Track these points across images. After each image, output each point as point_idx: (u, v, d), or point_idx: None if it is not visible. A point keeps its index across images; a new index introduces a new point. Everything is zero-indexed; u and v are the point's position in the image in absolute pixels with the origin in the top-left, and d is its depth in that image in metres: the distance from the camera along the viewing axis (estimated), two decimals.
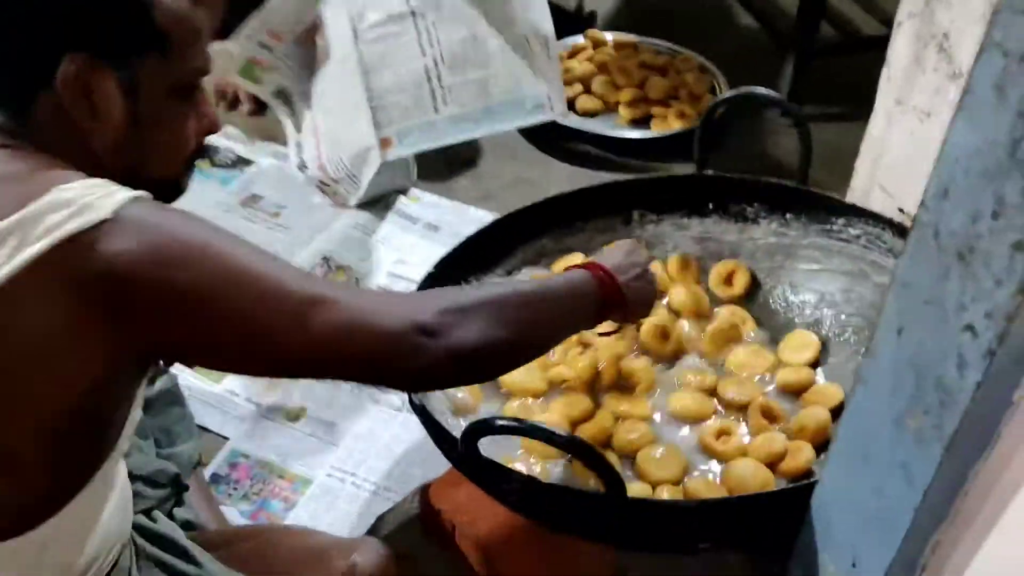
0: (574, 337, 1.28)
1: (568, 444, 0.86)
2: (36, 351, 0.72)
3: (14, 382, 0.73)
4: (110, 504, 0.88)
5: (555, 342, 1.03)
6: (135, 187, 0.78)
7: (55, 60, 0.77)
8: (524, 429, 0.89)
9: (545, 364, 1.25)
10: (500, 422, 0.90)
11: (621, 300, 0.99)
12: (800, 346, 1.31)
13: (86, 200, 0.73)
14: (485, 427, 0.89)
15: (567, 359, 1.26)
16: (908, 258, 0.70)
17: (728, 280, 1.43)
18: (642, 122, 2.15)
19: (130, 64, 0.81)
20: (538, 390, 1.20)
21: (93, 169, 0.79)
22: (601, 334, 1.22)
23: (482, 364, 0.84)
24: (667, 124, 2.09)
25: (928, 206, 0.66)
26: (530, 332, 0.88)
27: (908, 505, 0.76)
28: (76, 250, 0.71)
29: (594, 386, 1.25)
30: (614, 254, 1.05)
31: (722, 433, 1.17)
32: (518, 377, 1.20)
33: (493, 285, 0.90)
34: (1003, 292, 0.61)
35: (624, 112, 2.16)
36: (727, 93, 1.51)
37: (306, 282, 0.78)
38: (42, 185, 0.73)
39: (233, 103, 2.23)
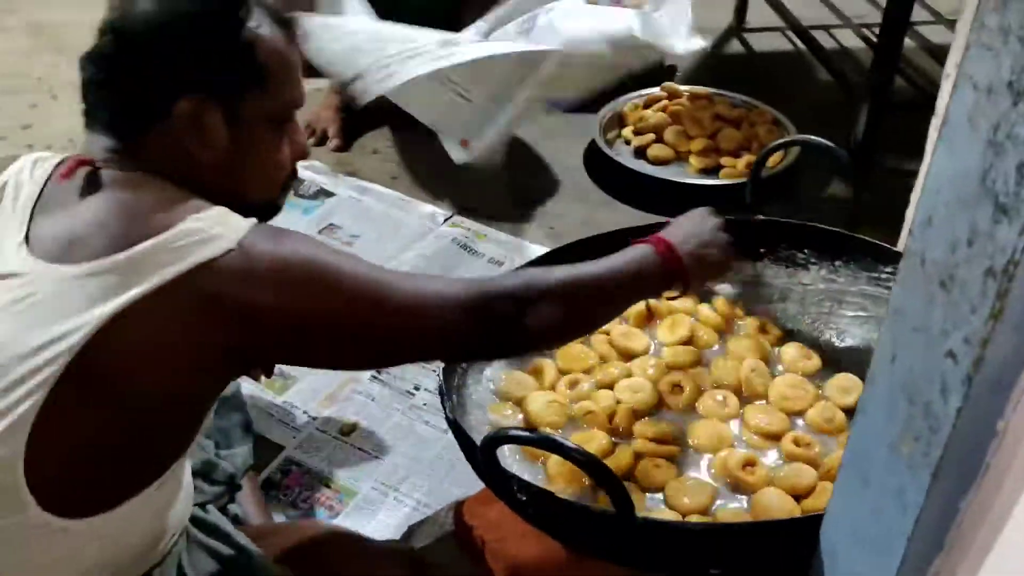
0: (598, 375, 1.32)
1: (579, 458, 0.89)
2: (159, 362, 0.81)
3: (132, 385, 0.81)
4: (181, 493, 0.96)
5: (615, 316, 1.20)
6: (238, 208, 0.88)
7: (174, 98, 0.88)
8: (539, 440, 0.93)
9: (567, 396, 1.28)
10: (516, 432, 0.94)
11: (683, 272, 1.06)
12: (845, 389, 1.31)
13: (215, 230, 0.83)
14: (503, 437, 0.94)
15: (594, 395, 1.27)
16: (899, 286, 0.72)
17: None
18: (712, 172, 2.18)
19: (235, 99, 0.91)
20: (555, 423, 1.21)
21: (199, 192, 0.89)
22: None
23: (548, 343, 1.09)
24: (736, 174, 2.12)
25: (915, 235, 0.69)
26: (593, 314, 1.03)
27: (902, 531, 0.77)
28: (206, 275, 0.81)
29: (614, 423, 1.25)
30: (681, 225, 1.13)
31: (748, 463, 1.18)
32: (536, 408, 1.23)
33: (562, 269, 0.99)
34: (977, 318, 0.63)
35: (695, 161, 2.19)
36: (779, 140, 1.53)
37: (416, 284, 0.92)
38: (178, 214, 0.84)
39: (322, 139, 2.36)
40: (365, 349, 0.91)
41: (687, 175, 2.18)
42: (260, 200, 0.98)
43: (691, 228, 1.12)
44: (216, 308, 0.81)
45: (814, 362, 1.35)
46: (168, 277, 0.80)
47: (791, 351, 1.36)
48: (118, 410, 0.81)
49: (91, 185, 0.88)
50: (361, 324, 0.89)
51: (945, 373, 0.67)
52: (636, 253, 1.05)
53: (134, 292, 0.79)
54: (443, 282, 0.95)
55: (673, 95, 2.38)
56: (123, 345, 0.79)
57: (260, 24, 0.93)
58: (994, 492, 0.71)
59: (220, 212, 0.86)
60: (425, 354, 0.98)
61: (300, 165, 2.14)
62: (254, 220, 0.86)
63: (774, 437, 1.20)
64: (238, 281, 0.82)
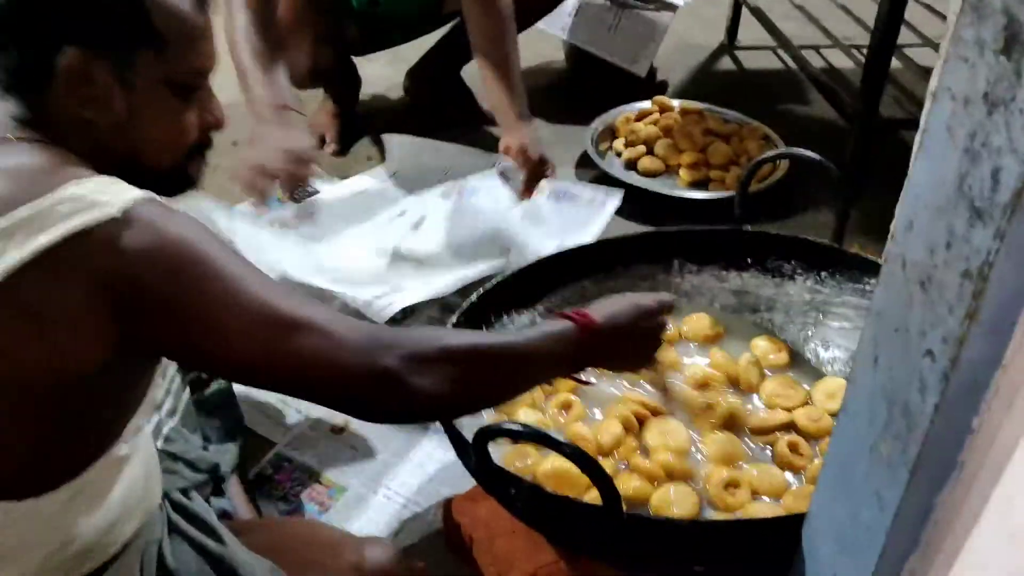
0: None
1: (569, 451, 0.92)
2: (41, 335, 0.77)
3: (16, 361, 0.78)
4: (128, 474, 0.93)
5: (519, 395, 1.10)
6: (138, 178, 0.85)
7: (53, 52, 0.84)
8: (530, 434, 0.95)
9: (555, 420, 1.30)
10: (508, 426, 0.96)
11: (604, 353, 1.03)
12: (832, 394, 1.34)
13: (97, 197, 0.78)
14: (495, 430, 0.96)
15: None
16: (881, 288, 0.75)
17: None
18: (701, 185, 2.22)
19: (125, 58, 0.87)
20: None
21: (101, 162, 0.85)
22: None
23: (434, 413, 0.97)
24: (724, 187, 2.16)
25: (896, 239, 0.72)
26: (490, 390, 0.94)
27: (880, 530, 0.79)
28: (85, 244, 0.76)
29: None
30: (611, 306, 1.06)
31: (730, 484, 1.20)
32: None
33: (472, 335, 0.96)
34: (954, 318, 0.65)
35: (684, 174, 2.23)
36: (769, 153, 1.57)
37: (291, 303, 0.83)
38: (59, 178, 0.79)
39: (320, 143, 2.38)
40: (238, 361, 0.83)
41: (677, 188, 2.21)
42: (161, 167, 0.93)
43: (620, 313, 1.05)
44: (92, 280, 0.77)
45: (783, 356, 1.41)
46: (44, 244, 0.75)
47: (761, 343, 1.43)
48: (10, 392, 0.79)
49: None
50: (234, 332, 0.81)
51: (923, 372, 0.70)
52: (554, 330, 0.98)
53: (7, 261, 0.75)
54: (334, 314, 0.86)
55: (664, 109, 2.42)
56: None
57: None
58: (967, 489, 0.74)
59: (105, 180, 0.81)
60: (297, 388, 0.86)
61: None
62: (147, 192, 0.82)
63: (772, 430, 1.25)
64: (115, 252, 0.77)
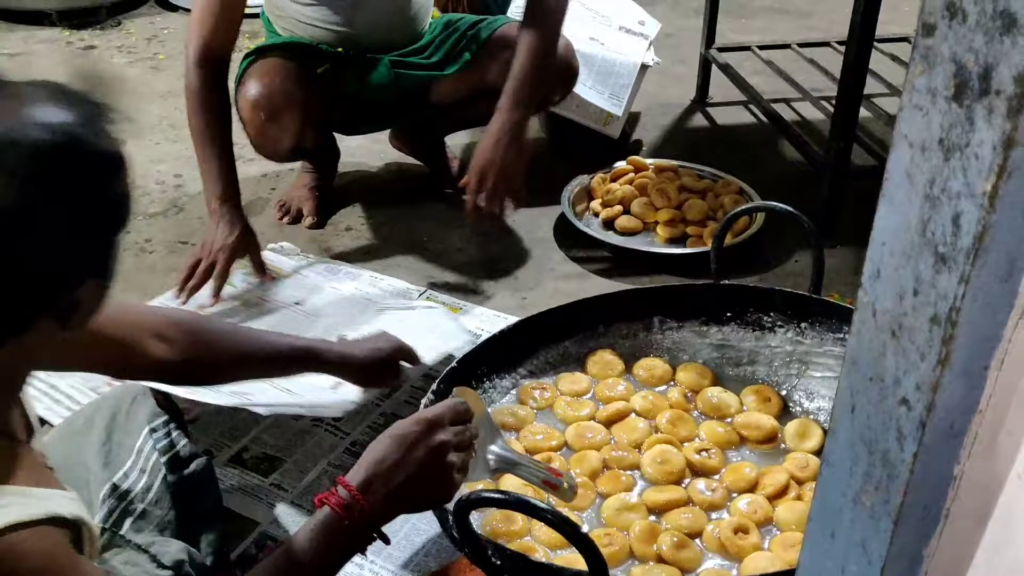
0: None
1: (553, 519, 0.90)
2: None
3: None
4: None
5: None
6: None
7: (77, 285, 0.81)
8: (513, 503, 0.93)
9: None
10: (489, 495, 0.94)
11: (385, 508, 0.97)
12: (801, 434, 1.36)
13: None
14: (476, 500, 0.94)
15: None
16: (854, 337, 0.75)
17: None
18: (679, 241, 2.23)
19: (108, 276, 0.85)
20: None
21: None
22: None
23: None
24: (702, 243, 2.17)
25: (866, 287, 0.72)
26: None
27: None
28: None
29: None
30: (375, 445, 1.00)
31: (739, 529, 1.20)
32: None
33: None
34: (927, 364, 0.65)
35: (661, 231, 2.24)
36: (742, 207, 1.58)
37: None
38: None
39: (296, 218, 2.38)
40: None
41: (655, 244, 2.22)
42: None
43: (380, 458, 0.98)
44: None
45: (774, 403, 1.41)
46: None
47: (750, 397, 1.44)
48: None
49: None
50: None
51: (900, 420, 0.69)
52: (313, 526, 0.96)
53: None
54: None
55: (639, 168, 2.44)
56: None
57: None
58: (956, 539, 0.73)
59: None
60: None
61: (270, 248, 2.17)
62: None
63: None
64: None
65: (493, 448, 1.08)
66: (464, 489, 0.99)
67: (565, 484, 1.08)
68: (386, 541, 0.97)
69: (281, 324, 1.93)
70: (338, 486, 0.97)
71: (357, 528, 0.95)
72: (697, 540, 1.21)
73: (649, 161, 2.46)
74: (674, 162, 2.46)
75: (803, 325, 1.49)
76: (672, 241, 2.22)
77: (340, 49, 2.15)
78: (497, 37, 2.14)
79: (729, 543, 1.18)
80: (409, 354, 1.44)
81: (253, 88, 2.05)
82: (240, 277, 2.06)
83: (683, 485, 1.30)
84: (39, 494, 0.83)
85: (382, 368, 1.40)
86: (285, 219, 2.38)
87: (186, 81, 1.91)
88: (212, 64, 1.91)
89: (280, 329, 1.88)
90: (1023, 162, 0.54)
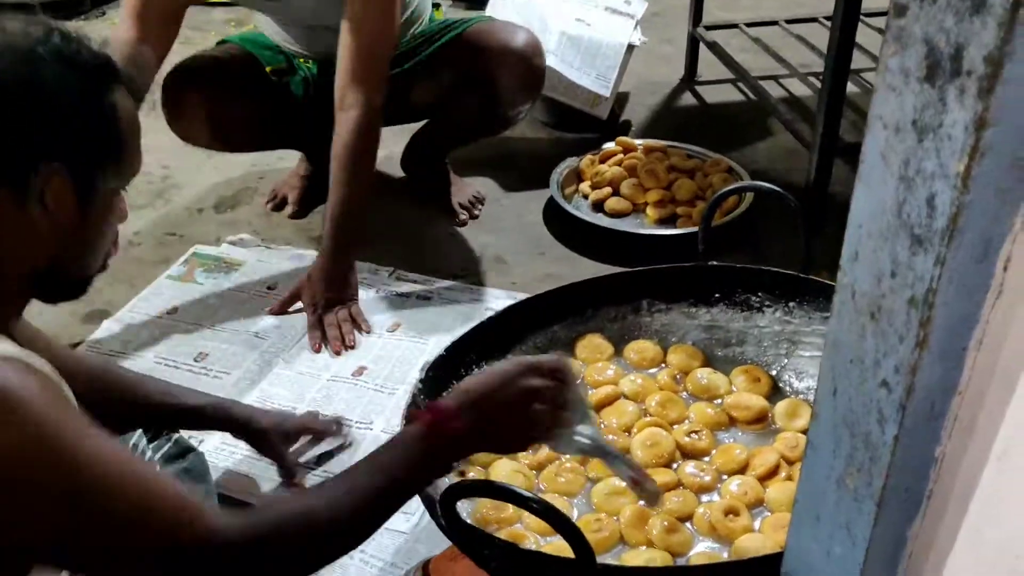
0: None
1: (538, 508, 0.90)
2: None
3: None
4: None
5: (385, 520, 0.97)
6: (50, 287, 0.85)
7: (30, 169, 0.82)
8: (498, 491, 0.93)
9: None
10: (474, 483, 0.94)
11: (472, 437, 0.95)
12: (791, 413, 1.37)
13: None
14: (461, 488, 0.94)
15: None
16: (835, 319, 0.74)
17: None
18: (669, 221, 2.22)
19: (92, 172, 0.86)
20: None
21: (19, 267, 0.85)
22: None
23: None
24: (692, 223, 2.16)
25: (844, 269, 0.71)
26: (348, 540, 0.92)
27: (854, 566, 0.78)
28: None
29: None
30: (480, 376, 1.01)
31: (730, 511, 1.20)
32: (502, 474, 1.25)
33: (294, 502, 0.93)
34: (905, 346, 0.65)
35: (651, 212, 2.23)
36: (729, 187, 1.57)
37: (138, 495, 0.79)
38: None
39: (280, 205, 2.37)
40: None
41: (645, 226, 2.22)
42: (86, 274, 0.93)
43: (479, 387, 0.97)
44: None
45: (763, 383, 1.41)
46: None
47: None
48: None
49: None
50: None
51: (880, 402, 0.69)
52: (401, 441, 0.94)
53: None
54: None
55: (628, 149, 2.43)
56: None
57: (118, 91, 0.89)
58: (938, 520, 0.73)
59: None
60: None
61: (229, 240, 2.16)
62: (9, 351, 0.78)
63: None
64: None
65: (586, 430, 1.03)
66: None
67: (651, 488, 1.07)
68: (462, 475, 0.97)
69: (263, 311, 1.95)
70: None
71: (439, 449, 0.92)
72: (688, 523, 1.21)
73: (638, 142, 2.45)
74: (663, 142, 2.45)
75: (791, 305, 1.48)
76: (662, 222, 2.22)
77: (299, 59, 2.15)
78: (458, 38, 2.11)
79: (720, 525, 1.18)
80: (321, 431, 1.52)
81: (188, 64, 2.05)
82: (200, 275, 2.08)
83: (673, 468, 1.30)
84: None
85: (281, 440, 1.45)
86: (270, 205, 2.38)
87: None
88: None
89: (264, 315, 1.93)
90: (995, 142, 0.53)
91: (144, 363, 1.82)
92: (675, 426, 1.36)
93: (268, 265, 2.14)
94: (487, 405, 0.95)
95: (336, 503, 0.88)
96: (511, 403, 0.96)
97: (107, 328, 1.94)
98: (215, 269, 2.12)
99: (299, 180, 2.39)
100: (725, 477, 1.28)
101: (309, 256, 2.11)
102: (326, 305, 1.88)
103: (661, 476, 1.26)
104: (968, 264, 0.59)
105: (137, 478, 0.79)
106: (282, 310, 1.94)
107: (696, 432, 1.33)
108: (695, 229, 2.10)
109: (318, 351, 1.84)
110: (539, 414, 0.96)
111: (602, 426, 1.38)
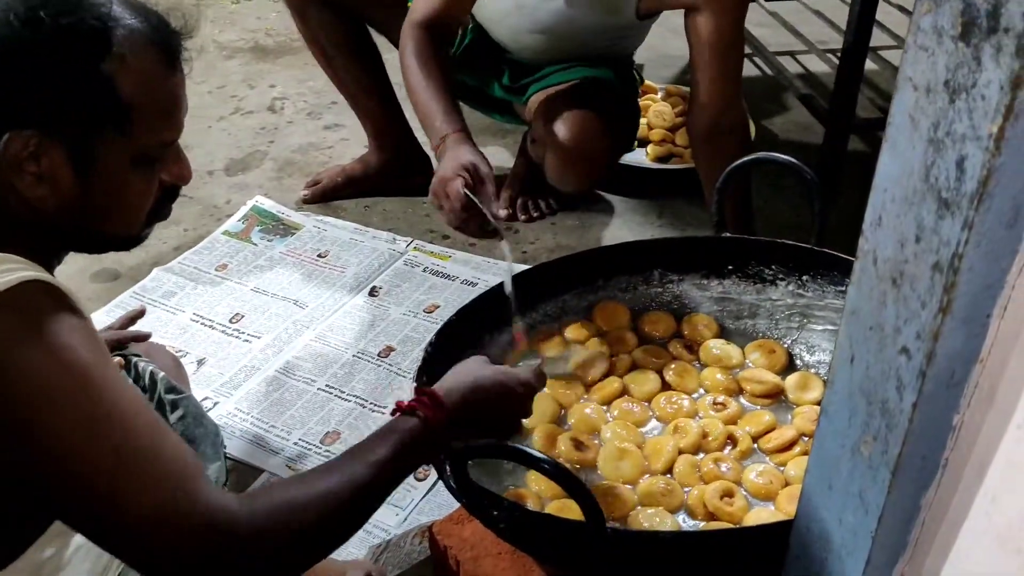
0: None
1: (549, 469, 0.90)
2: None
3: None
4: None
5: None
6: (88, 241, 0.83)
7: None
8: (508, 452, 0.93)
9: None
10: (485, 445, 0.94)
11: (452, 429, 0.93)
12: (803, 385, 1.36)
13: None
14: (472, 449, 0.94)
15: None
16: (854, 286, 0.74)
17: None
18: (666, 160, 2.34)
19: (86, 138, 0.81)
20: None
21: (32, 228, 0.82)
22: None
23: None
24: (685, 161, 2.25)
25: (866, 235, 0.70)
26: (348, 528, 0.87)
27: (865, 534, 0.78)
28: None
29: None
30: (463, 366, 1.01)
31: (725, 494, 1.18)
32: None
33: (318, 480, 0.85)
34: (927, 313, 0.64)
35: (651, 150, 2.34)
36: (745, 158, 1.55)
37: (151, 449, 0.76)
38: None
39: (312, 183, 2.30)
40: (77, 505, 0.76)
41: (644, 163, 2.32)
42: (119, 235, 0.90)
43: (465, 370, 0.99)
44: None
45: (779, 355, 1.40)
46: None
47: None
48: None
49: None
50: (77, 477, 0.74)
51: (900, 369, 0.69)
52: (399, 429, 0.91)
53: None
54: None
55: (647, 91, 2.47)
56: None
57: (130, 51, 0.82)
58: (953, 488, 0.72)
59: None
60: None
61: (262, 203, 2.11)
62: (40, 276, 0.76)
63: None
64: None
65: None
66: None
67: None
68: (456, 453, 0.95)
69: (310, 278, 1.95)
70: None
71: (430, 432, 0.91)
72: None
73: (660, 86, 2.50)
74: (684, 88, 2.46)
75: (804, 278, 1.47)
76: (660, 160, 2.32)
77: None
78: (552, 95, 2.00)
79: (717, 510, 1.16)
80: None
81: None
82: (257, 234, 2.07)
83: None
84: None
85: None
86: (309, 179, 2.32)
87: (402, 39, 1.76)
88: (434, 30, 1.77)
89: (310, 283, 1.93)
90: None
91: (181, 319, 1.84)
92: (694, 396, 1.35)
93: (323, 233, 2.13)
94: (478, 389, 0.96)
95: (331, 493, 0.84)
96: (502, 386, 0.98)
97: (156, 277, 1.95)
98: (272, 231, 2.12)
99: (345, 176, 2.27)
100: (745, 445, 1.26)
101: (368, 231, 2.12)
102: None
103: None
104: (996, 229, 0.58)
105: (149, 420, 0.77)
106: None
107: (720, 403, 1.33)
108: (689, 165, 2.10)
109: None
110: (523, 398, 1.03)
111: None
